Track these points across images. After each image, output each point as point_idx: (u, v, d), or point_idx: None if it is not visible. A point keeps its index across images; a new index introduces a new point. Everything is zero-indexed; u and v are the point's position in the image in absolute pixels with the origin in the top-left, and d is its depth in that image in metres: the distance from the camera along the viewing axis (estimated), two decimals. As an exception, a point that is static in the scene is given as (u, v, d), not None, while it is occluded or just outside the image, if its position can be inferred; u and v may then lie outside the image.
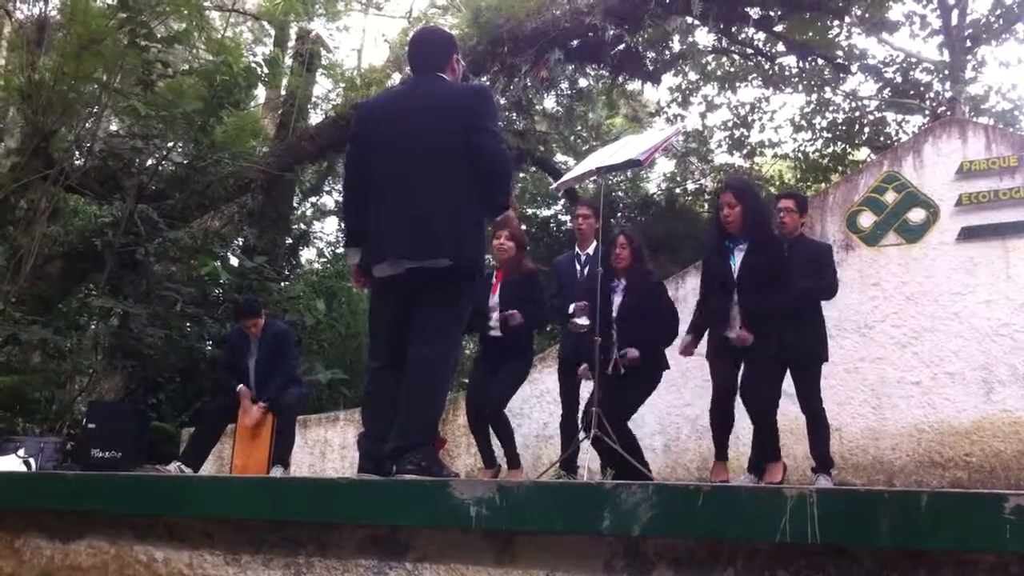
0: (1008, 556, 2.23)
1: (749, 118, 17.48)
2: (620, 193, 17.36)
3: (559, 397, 6.56)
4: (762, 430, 5.33)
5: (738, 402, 5.34)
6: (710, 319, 5.44)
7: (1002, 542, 2.18)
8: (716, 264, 5.37)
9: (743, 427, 5.52)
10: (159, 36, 11.14)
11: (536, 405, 8.14)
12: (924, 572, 2.29)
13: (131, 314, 10.77)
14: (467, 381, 6.65)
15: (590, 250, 6.34)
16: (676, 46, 14.49)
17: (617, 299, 5.65)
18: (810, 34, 14.50)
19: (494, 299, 6.05)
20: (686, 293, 7.81)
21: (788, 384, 5.67)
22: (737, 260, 5.23)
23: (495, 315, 5.99)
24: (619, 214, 16.80)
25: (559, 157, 18.42)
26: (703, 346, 5.56)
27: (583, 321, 5.57)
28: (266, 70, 12.98)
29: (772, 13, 12.88)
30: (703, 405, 5.55)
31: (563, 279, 6.46)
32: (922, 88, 15.12)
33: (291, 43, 16.92)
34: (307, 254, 18.21)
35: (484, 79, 11.87)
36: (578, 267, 6.38)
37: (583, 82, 14.98)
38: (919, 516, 2.25)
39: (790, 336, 5.32)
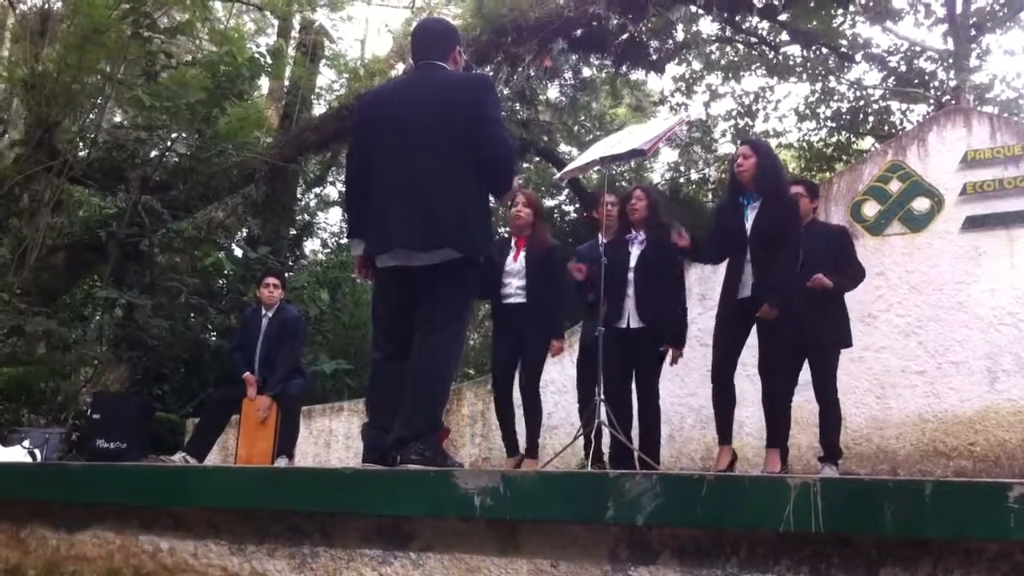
0: (1012, 545, 2.23)
1: (753, 107, 17.44)
2: (624, 183, 17.32)
3: (575, 386, 6.43)
4: (772, 409, 5.28)
5: (740, 385, 5.32)
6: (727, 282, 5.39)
7: (1006, 531, 2.18)
8: (730, 220, 5.34)
9: (746, 416, 5.51)
10: (163, 27, 11.15)
11: (541, 395, 8.12)
12: (928, 561, 2.29)
13: (135, 305, 10.79)
14: (489, 361, 6.56)
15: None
16: (680, 35, 14.48)
17: (635, 250, 5.71)
18: (814, 23, 14.44)
19: (515, 265, 5.91)
20: (690, 284, 7.77)
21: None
22: (750, 218, 5.19)
23: (515, 281, 5.87)
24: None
25: (563, 147, 18.41)
26: (706, 338, 5.54)
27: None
28: (269, 61, 12.98)
29: (776, 2, 12.84)
30: (706, 395, 5.53)
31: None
32: (926, 77, 15.08)
33: (294, 33, 16.92)
34: (311, 245, 18.28)
35: (487, 69, 11.85)
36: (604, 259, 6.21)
37: (587, 72, 14.98)
38: (923, 505, 2.25)
39: (810, 321, 5.28)
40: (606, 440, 5.51)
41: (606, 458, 5.77)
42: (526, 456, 6.19)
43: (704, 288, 7.84)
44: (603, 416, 5.16)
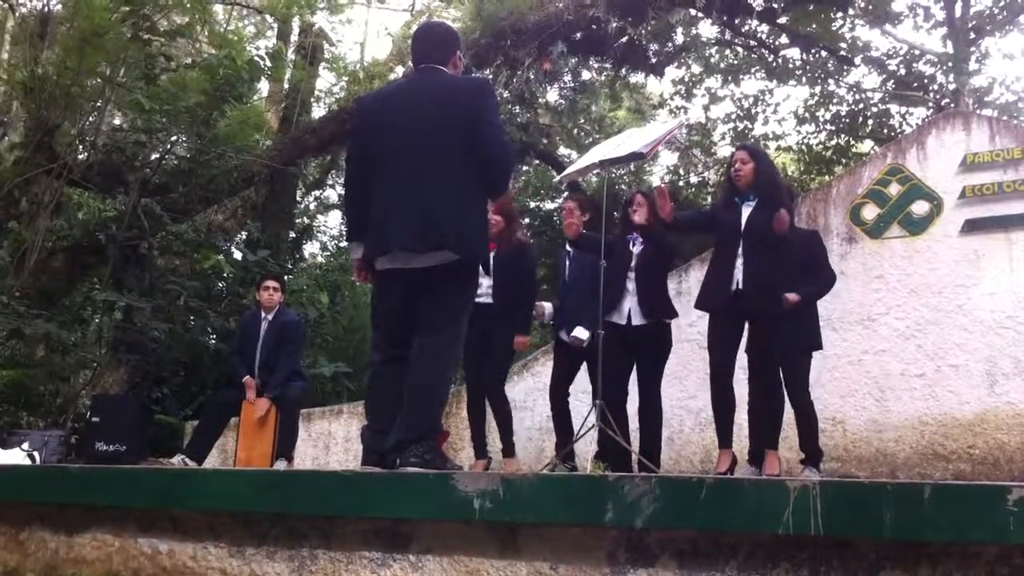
0: (1011, 548, 2.23)
1: (752, 111, 17.46)
2: (623, 186, 17.33)
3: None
4: (769, 410, 5.30)
5: (740, 389, 5.32)
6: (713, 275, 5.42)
7: (1005, 534, 2.18)
8: (724, 216, 5.36)
9: (745, 419, 5.50)
10: (162, 30, 11.14)
11: (539, 397, 8.12)
12: (927, 564, 2.29)
13: (135, 308, 10.79)
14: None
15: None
16: (679, 38, 14.52)
17: (637, 249, 5.77)
18: (814, 26, 14.46)
19: None
20: (689, 286, 7.79)
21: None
22: (745, 215, 5.23)
23: (485, 281, 5.80)
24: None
25: (562, 150, 18.43)
26: (704, 341, 5.54)
27: (583, 335, 5.67)
28: (269, 64, 12.96)
29: (776, 5, 12.85)
30: (706, 398, 5.53)
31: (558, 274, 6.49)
32: (926, 80, 15.09)
33: (294, 36, 16.93)
34: (310, 248, 18.30)
35: (487, 72, 11.86)
36: (567, 262, 6.29)
37: (586, 75, 14.99)
38: (922, 508, 2.25)
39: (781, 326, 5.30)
40: (586, 446, 5.53)
41: (578, 460, 5.79)
42: (503, 456, 6.23)
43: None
44: (595, 418, 5.16)
